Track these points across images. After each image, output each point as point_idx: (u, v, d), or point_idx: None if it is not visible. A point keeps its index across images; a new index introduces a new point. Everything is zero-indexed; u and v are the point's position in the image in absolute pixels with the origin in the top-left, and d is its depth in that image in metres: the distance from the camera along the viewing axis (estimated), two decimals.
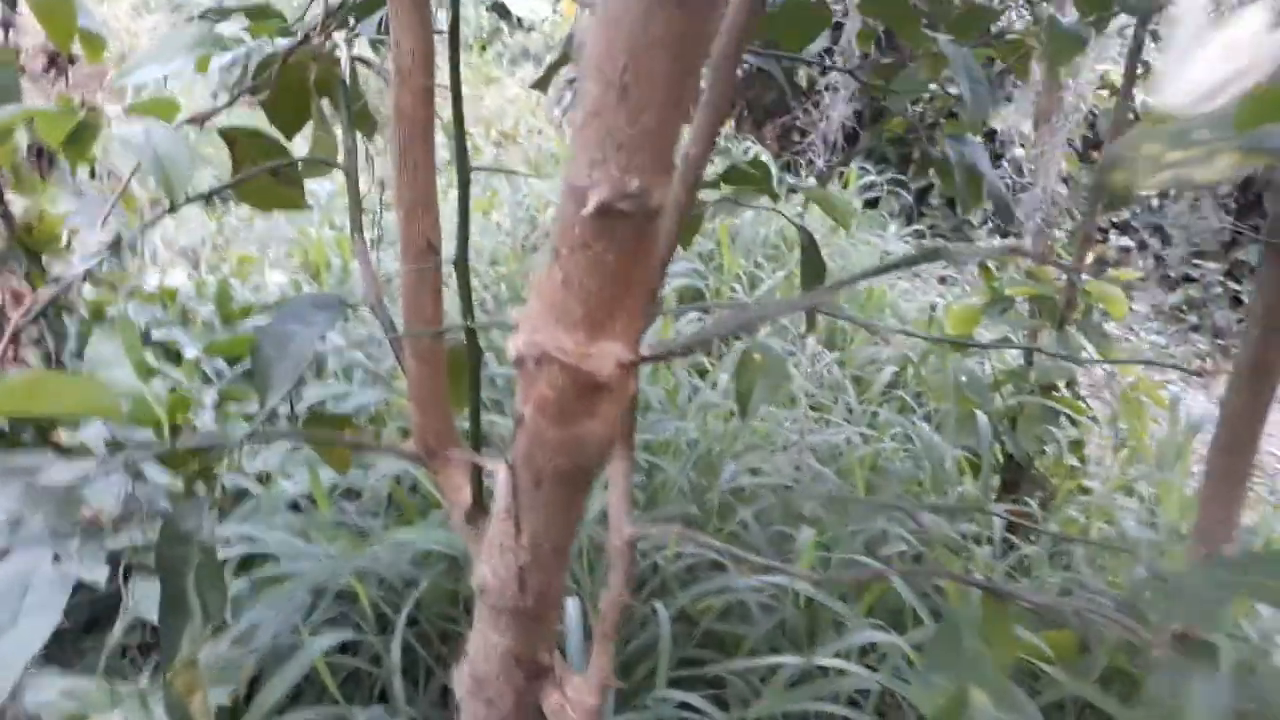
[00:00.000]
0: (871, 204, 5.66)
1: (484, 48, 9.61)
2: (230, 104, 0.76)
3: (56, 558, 0.54)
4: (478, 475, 0.67)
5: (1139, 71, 2.33)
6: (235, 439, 0.61)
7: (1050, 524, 2.19)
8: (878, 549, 2.03)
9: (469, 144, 3.90)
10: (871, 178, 5.48)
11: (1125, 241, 7.00)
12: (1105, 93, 5.79)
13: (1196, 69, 0.34)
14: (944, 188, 1.07)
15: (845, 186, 4.72)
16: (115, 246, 0.61)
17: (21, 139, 2.11)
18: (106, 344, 0.54)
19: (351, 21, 0.86)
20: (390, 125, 0.63)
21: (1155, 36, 2.49)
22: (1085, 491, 2.46)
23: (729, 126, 5.77)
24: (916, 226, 6.16)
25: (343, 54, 0.75)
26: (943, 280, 5.98)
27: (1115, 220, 7.22)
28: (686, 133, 0.60)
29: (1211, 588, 0.52)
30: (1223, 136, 0.42)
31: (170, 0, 8.55)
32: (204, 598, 0.60)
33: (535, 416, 0.39)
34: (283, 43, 0.81)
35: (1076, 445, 2.56)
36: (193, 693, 0.57)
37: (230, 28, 0.75)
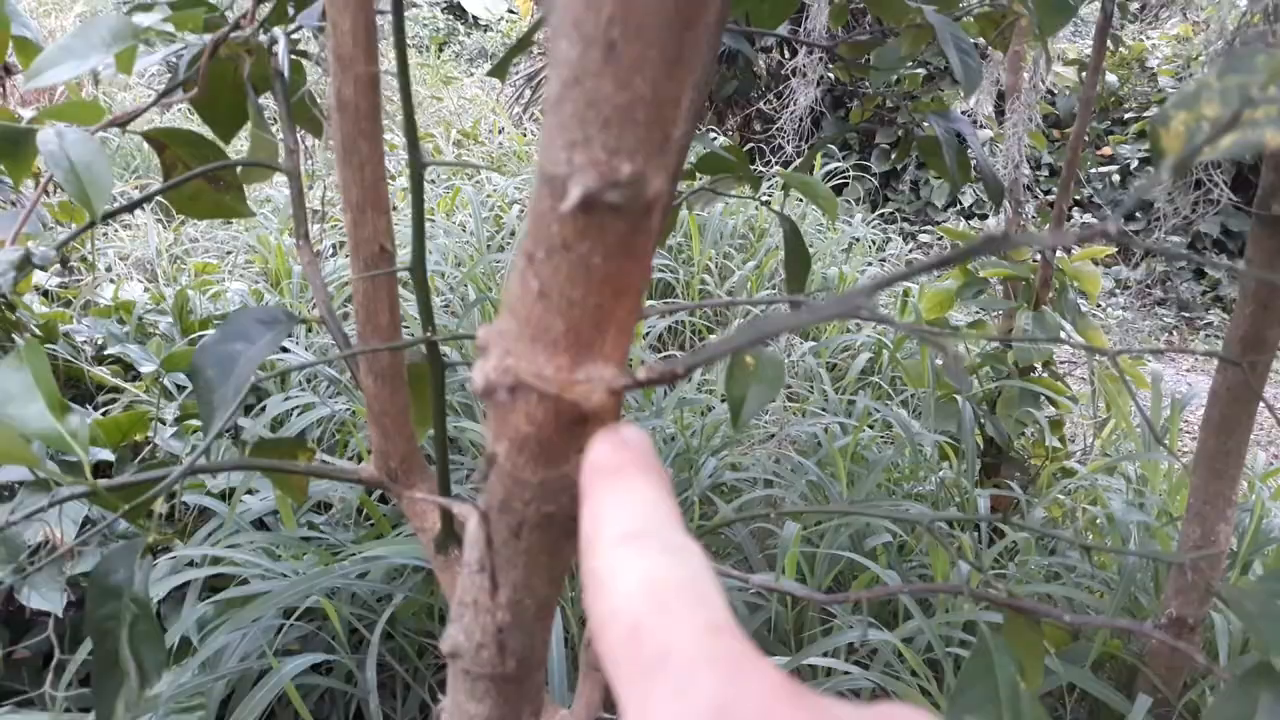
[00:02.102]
0: (837, 190, 5.62)
1: (441, 48, 9.52)
2: (155, 104, 0.69)
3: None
4: (446, 496, 0.60)
5: (1108, 46, 2.29)
6: (171, 478, 0.54)
7: (1036, 508, 2.14)
8: (863, 541, 1.99)
9: (430, 146, 3.83)
10: (837, 164, 5.44)
11: (1089, 219, 7.01)
12: (1068, 71, 5.78)
13: None
14: (931, 167, 1.01)
15: (810, 173, 4.67)
16: (24, 265, 0.54)
17: None
18: (14, 377, 0.47)
19: (290, 10, 0.79)
20: (332, 119, 0.56)
21: (1123, 10, 2.45)
22: (1069, 474, 2.42)
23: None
24: (882, 211, 6.15)
25: (280, 44, 0.68)
26: (911, 263, 5.95)
27: (1078, 198, 7.22)
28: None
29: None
30: None
31: (120, 9, 8.39)
32: (139, 657, 0.53)
33: (512, 456, 0.33)
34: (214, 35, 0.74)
35: (1056, 425, 2.53)
36: None
37: (153, 18, 0.68)
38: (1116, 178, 7.10)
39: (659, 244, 0.93)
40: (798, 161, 4.12)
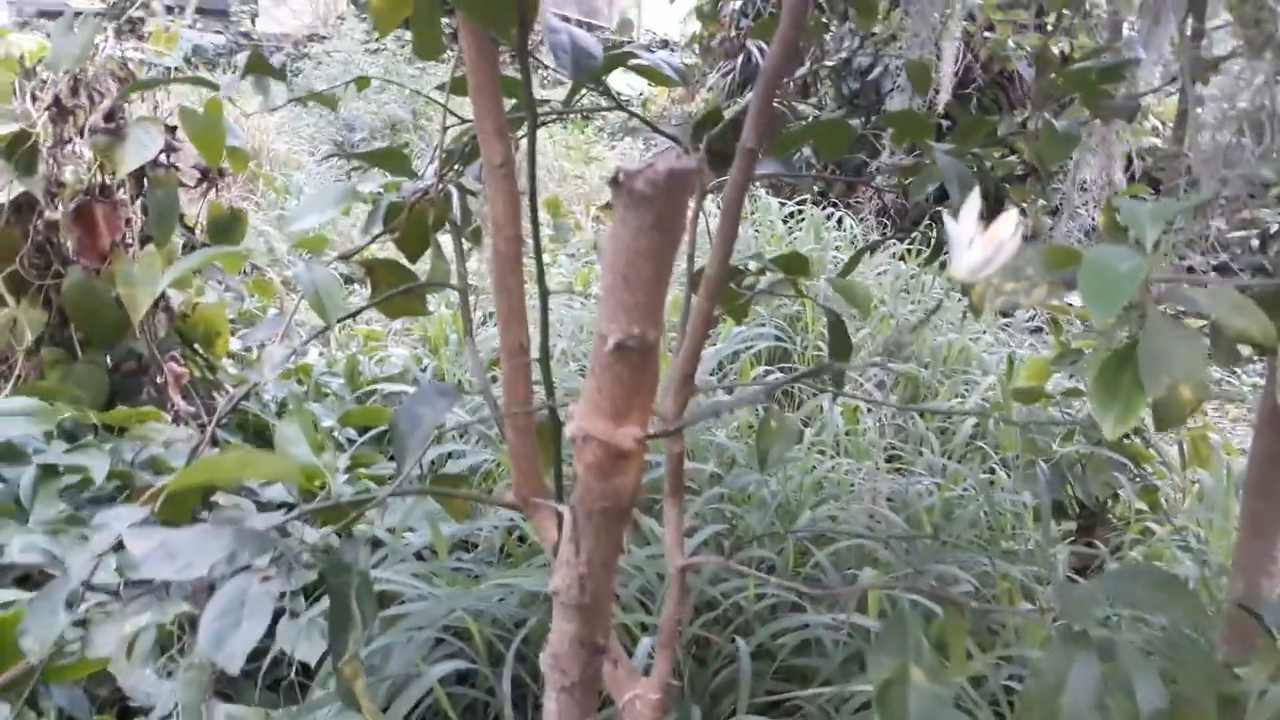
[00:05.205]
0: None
1: (585, 124, 10.01)
2: (370, 244, 1.00)
3: (266, 578, 0.77)
4: (560, 519, 0.88)
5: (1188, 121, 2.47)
6: (381, 496, 0.84)
7: (1111, 565, 2.30)
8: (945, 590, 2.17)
9: (570, 222, 4.20)
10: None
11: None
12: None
13: (971, 255, 0.54)
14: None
15: (929, 245, 4.87)
16: (291, 355, 0.84)
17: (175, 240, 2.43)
18: (289, 427, 0.77)
19: (460, 168, 1.11)
20: (489, 260, 0.86)
21: (1199, 103, 2.62)
22: (1150, 534, 2.56)
23: (813, 194, 5.97)
24: None
25: (454, 199, 0.99)
26: (1036, 330, 6.03)
27: (1214, 263, 7.16)
28: (678, 282, 0.82)
29: (1093, 593, 0.71)
30: (1040, 274, 0.62)
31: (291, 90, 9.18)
32: (362, 610, 0.82)
33: (585, 475, 0.61)
34: (408, 187, 1.06)
35: (1149, 491, 2.66)
36: (356, 678, 0.79)
37: (370, 185, 1.00)
38: (1256, 242, 7.02)
39: (738, 321, 1.20)
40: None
